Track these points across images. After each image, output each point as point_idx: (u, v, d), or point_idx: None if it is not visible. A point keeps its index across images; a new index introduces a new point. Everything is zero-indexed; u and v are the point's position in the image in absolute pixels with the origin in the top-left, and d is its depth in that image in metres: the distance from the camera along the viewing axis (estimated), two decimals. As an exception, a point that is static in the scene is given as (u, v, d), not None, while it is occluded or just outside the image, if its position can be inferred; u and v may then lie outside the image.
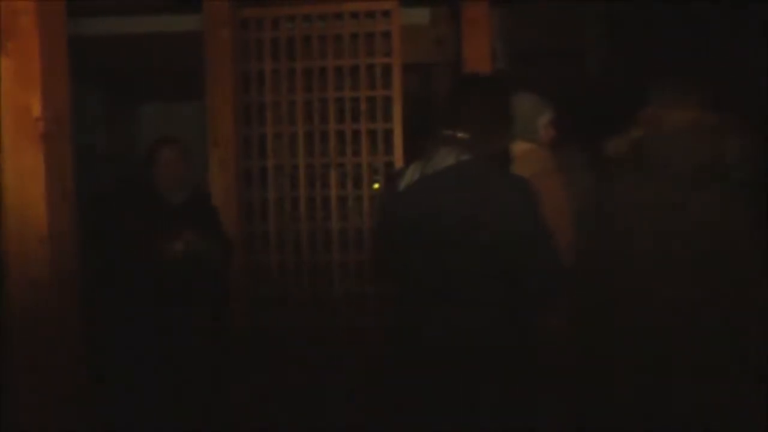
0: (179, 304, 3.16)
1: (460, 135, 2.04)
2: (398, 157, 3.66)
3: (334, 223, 3.74)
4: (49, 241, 2.01)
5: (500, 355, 1.98)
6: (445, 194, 1.98)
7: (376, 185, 3.77)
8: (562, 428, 2.72)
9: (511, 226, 1.90)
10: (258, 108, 3.81)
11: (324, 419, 3.56)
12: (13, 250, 2.02)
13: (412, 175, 2.14)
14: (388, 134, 3.71)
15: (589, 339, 2.34)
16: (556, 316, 2.51)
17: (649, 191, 2.10)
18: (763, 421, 2.09)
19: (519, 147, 2.76)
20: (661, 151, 2.07)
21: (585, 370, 2.41)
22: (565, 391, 2.52)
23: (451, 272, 1.97)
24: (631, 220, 2.13)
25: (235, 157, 3.67)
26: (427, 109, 4.59)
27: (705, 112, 2.10)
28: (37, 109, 2.01)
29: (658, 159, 2.08)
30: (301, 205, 3.76)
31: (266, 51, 3.78)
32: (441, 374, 2.02)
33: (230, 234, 3.51)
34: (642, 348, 2.14)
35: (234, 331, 3.61)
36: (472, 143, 2.02)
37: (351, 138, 3.75)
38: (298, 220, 3.76)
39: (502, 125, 2.11)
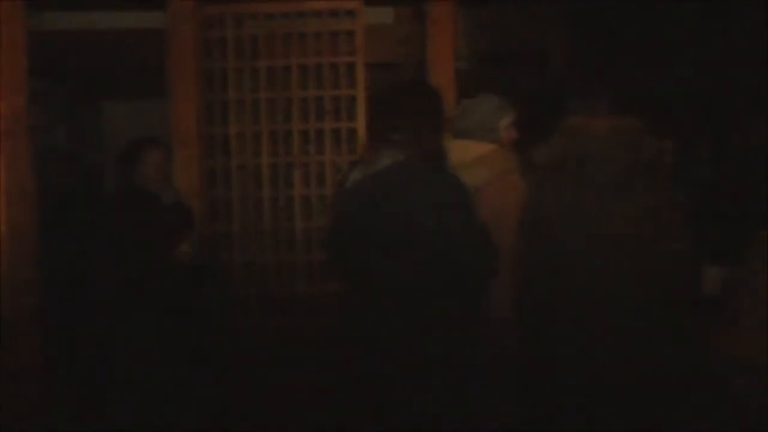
0: (182, 306, 3.16)
1: (396, 137, 2.17)
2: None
3: (298, 222, 3.75)
4: (8, 240, 2.00)
5: (447, 347, 2.09)
6: (383, 193, 2.12)
7: (340, 184, 3.78)
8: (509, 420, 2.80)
9: (443, 220, 2.05)
10: (221, 106, 3.79)
11: (288, 418, 3.56)
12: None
13: (356, 175, 2.28)
14: (352, 133, 3.71)
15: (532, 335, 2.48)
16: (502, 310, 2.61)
17: (580, 195, 2.25)
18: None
19: (481, 148, 2.78)
20: (588, 157, 2.23)
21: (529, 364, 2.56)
22: (512, 384, 2.66)
23: (392, 267, 2.10)
24: (565, 222, 2.27)
25: (198, 155, 3.66)
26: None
27: (625, 118, 2.28)
28: (-6, 106, 2.00)
29: (585, 164, 2.24)
30: (265, 204, 3.75)
31: (229, 49, 3.77)
32: (393, 369, 2.12)
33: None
34: (578, 345, 2.27)
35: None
36: (407, 144, 2.15)
37: (315, 137, 3.76)
38: (262, 220, 3.76)
39: (434, 126, 2.25)
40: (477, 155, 2.74)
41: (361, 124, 3.69)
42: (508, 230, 2.54)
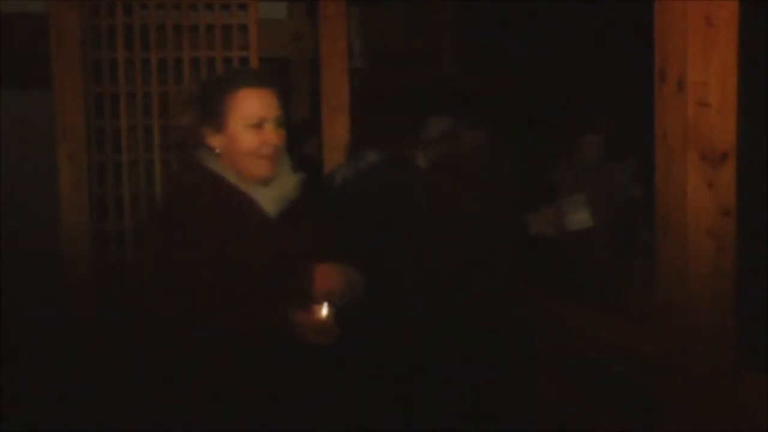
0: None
1: (378, 139, 2.59)
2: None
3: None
4: None
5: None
6: (372, 186, 2.53)
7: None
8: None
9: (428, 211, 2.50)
10: (111, 99, 3.66)
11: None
12: None
13: (345, 171, 2.70)
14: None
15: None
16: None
17: (453, 189, 2.71)
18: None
19: None
20: (460, 162, 2.75)
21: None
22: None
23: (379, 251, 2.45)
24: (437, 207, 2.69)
25: (85, 150, 3.53)
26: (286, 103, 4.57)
27: (485, 134, 2.83)
28: None
29: (457, 168, 2.74)
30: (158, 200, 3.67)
31: (119, 38, 3.64)
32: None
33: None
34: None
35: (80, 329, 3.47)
36: (387, 146, 2.57)
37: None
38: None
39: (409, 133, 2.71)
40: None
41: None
42: None
